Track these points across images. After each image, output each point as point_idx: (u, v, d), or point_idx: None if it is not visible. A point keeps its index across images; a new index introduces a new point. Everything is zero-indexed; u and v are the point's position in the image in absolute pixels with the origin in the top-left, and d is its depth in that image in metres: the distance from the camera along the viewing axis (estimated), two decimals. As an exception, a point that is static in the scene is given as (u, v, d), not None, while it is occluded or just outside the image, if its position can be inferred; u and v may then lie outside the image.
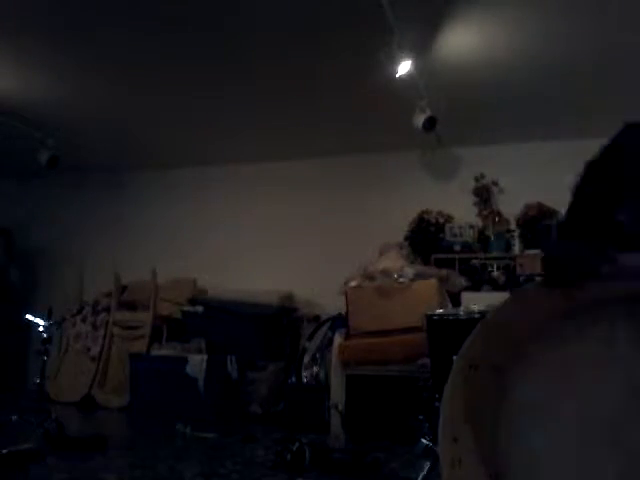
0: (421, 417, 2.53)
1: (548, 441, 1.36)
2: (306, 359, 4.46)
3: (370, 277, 4.30)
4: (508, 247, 4.79)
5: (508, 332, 1.41)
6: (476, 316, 2.26)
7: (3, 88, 4.25)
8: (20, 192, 6.48)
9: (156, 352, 4.88)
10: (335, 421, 3.98)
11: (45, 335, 3.73)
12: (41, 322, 3.77)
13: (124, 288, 5.60)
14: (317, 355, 4.43)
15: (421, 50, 3.52)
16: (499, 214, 4.93)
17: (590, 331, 1.39)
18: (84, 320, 5.54)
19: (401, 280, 4.11)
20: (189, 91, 4.31)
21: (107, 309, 5.47)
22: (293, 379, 4.41)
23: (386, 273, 4.22)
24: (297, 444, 2.91)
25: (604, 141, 1.48)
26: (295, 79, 4.05)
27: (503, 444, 1.34)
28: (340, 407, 3.92)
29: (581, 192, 1.46)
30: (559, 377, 1.40)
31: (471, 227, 4.93)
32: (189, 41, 3.59)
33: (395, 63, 3.47)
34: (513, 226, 4.86)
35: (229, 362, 4.57)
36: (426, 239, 4.96)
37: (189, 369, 4.47)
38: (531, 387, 1.41)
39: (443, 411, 1.41)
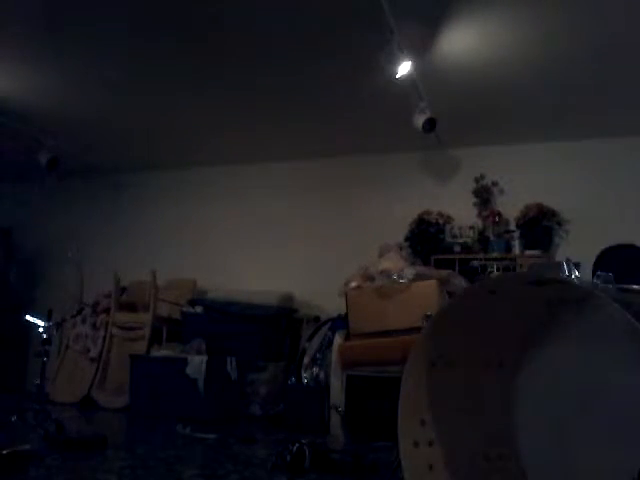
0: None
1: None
2: (306, 360, 4.45)
3: (370, 278, 4.29)
4: (508, 248, 4.79)
5: (460, 328, 1.55)
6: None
7: (3, 88, 4.25)
8: (20, 193, 6.48)
9: (156, 353, 4.87)
10: (335, 422, 3.97)
11: (45, 336, 3.72)
12: (41, 323, 3.76)
13: (124, 289, 5.60)
14: (317, 356, 4.42)
15: (421, 50, 3.52)
16: (499, 215, 4.93)
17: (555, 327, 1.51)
18: (84, 321, 5.53)
19: (401, 281, 4.11)
20: (189, 92, 4.31)
21: (107, 310, 5.46)
22: (293, 380, 4.40)
23: (386, 274, 4.21)
24: (297, 445, 2.90)
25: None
26: (295, 79, 4.05)
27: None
28: (340, 408, 3.91)
29: None
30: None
31: (471, 228, 4.94)
32: (189, 41, 3.59)
33: (395, 63, 3.46)
34: (513, 227, 4.86)
35: (229, 363, 4.57)
36: (426, 240, 4.96)
37: (189, 370, 4.46)
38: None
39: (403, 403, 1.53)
